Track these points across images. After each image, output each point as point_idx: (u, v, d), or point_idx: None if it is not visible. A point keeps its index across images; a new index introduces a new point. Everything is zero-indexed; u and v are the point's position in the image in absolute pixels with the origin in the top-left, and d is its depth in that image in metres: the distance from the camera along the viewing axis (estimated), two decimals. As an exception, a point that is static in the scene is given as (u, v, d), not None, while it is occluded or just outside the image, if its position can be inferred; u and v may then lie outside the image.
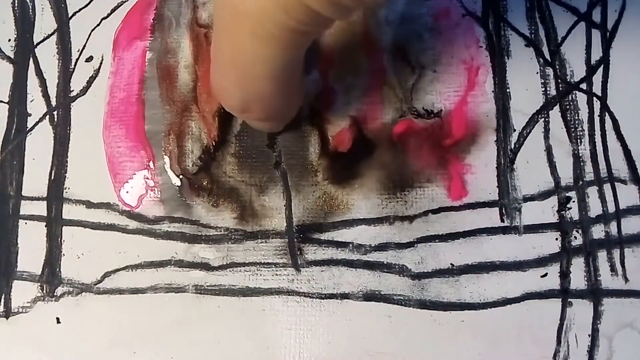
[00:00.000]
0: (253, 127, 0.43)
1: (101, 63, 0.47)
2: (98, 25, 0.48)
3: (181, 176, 0.44)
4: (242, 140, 0.45)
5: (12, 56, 0.48)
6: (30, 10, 0.48)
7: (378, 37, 0.46)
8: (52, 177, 0.45)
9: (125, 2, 0.48)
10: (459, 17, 0.46)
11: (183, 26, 0.47)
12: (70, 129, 0.46)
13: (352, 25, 0.46)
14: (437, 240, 0.42)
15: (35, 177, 0.45)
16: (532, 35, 0.45)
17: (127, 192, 0.44)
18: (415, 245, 0.42)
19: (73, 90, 0.47)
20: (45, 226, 0.44)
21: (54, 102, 0.47)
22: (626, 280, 0.41)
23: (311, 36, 0.33)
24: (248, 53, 0.33)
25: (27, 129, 0.46)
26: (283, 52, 0.33)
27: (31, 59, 0.47)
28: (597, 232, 0.42)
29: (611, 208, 0.42)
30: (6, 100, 0.47)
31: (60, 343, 0.42)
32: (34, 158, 0.46)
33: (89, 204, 0.44)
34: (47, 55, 0.47)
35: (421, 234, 0.43)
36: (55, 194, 0.45)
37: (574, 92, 0.44)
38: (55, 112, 0.46)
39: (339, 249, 0.43)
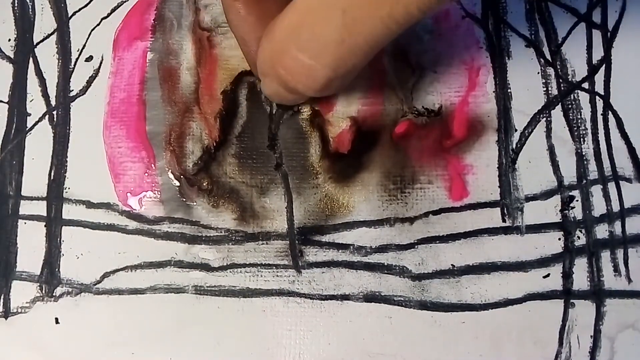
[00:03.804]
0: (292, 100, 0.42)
1: (101, 63, 0.47)
2: (98, 25, 0.47)
3: (181, 176, 0.44)
4: (243, 141, 0.45)
5: (12, 56, 0.47)
6: (30, 10, 0.48)
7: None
8: (52, 177, 0.45)
9: (125, 2, 0.48)
10: (459, 19, 0.46)
11: (185, 28, 0.47)
12: (69, 129, 0.46)
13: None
14: (437, 241, 0.42)
15: (34, 177, 0.45)
16: (533, 36, 0.45)
17: (128, 192, 0.44)
18: (416, 246, 0.42)
19: (73, 90, 0.46)
20: (45, 226, 0.44)
21: (53, 102, 0.46)
22: (629, 280, 0.41)
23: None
24: (370, 32, 0.33)
25: (27, 129, 0.46)
26: (398, 31, 0.33)
27: (31, 59, 0.47)
28: (601, 231, 0.42)
29: (615, 207, 0.42)
30: (6, 100, 0.46)
31: (59, 343, 0.42)
32: (34, 158, 0.45)
33: (89, 204, 0.44)
34: (46, 55, 0.47)
35: (422, 235, 0.42)
36: (55, 193, 0.44)
37: (576, 91, 0.44)
38: (54, 112, 0.46)
39: (340, 250, 0.43)
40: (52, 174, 0.45)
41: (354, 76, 0.38)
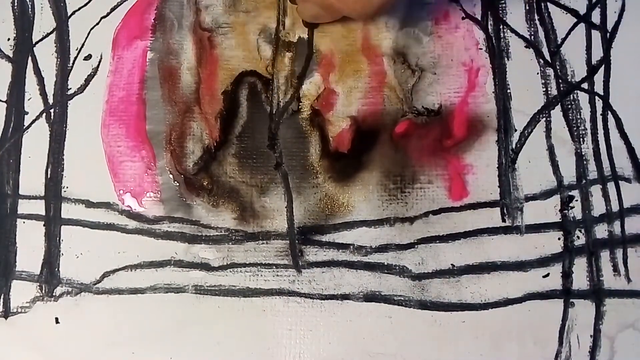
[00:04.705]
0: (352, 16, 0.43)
1: (100, 62, 0.47)
2: (97, 24, 0.47)
3: (182, 176, 0.44)
4: (243, 140, 0.45)
5: (10, 55, 0.47)
6: (30, 10, 0.48)
7: (378, 42, 0.46)
8: (49, 176, 0.45)
9: (124, 1, 0.48)
10: (459, 20, 0.46)
11: (185, 28, 0.47)
12: (66, 127, 0.46)
13: (353, 30, 0.46)
14: (437, 241, 0.42)
15: (32, 176, 0.45)
16: (532, 37, 0.45)
17: (127, 191, 0.44)
18: (416, 246, 0.42)
19: (71, 89, 0.46)
20: (44, 225, 0.44)
21: (51, 100, 0.46)
22: (629, 280, 0.41)
23: None
24: None
25: (24, 127, 0.46)
26: None
27: (30, 58, 0.47)
28: (600, 231, 0.42)
29: (615, 207, 0.42)
30: (4, 99, 0.46)
31: (59, 343, 0.42)
32: (30, 156, 0.45)
33: (89, 203, 0.44)
34: (45, 53, 0.47)
35: (422, 235, 0.43)
36: (54, 192, 0.44)
37: (576, 91, 0.44)
38: (52, 110, 0.46)
39: (340, 250, 0.43)
40: (49, 172, 0.45)
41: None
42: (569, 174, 0.43)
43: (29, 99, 0.46)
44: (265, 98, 0.45)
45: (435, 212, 0.43)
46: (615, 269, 0.41)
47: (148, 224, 0.43)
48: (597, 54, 0.45)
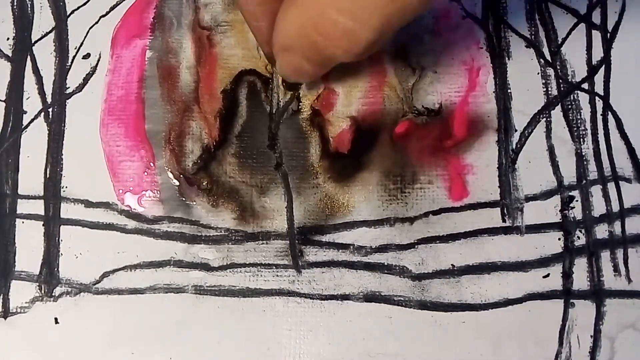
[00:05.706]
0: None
1: (98, 60, 0.46)
2: (96, 23, 0.47)
3: (181, 176, 0.44)
4: (243, 140, 0.44)
5: (9, 54, 0.47)
6: (29, 9, 0.48)
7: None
8: (48, 175, 0.44)
9: (124, 0, 0.48)
10: (459, 19, 0.46)
11: (184, 27, 0.47)
12: (65, 126, 0.45)
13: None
14: (437, 241, 0.42)
15: (30, 176, 0.45)
16: (533, 37, 0.45)
17: (127, 191, 0.44)
18: (416, 246, 0.42)
19: (69, 88, 0.46)
20: (43, 225, 0.44)
21: (49, 99, 0.46)
22: (629, 280, 0.41)
23: None
24: None
25: (23, 127, 0.46)
26: None
27: (28, 57, 0.47)
28: (601, 231, 0.42)
29: (615, 207, 0.42)
30: (3, 98, 0.46)
31: (59, 344, 0.42)
32: (29, 156, 0.45)
33: (88, 203, 0.44)
34: (44, 52, 0.47)
35: (422, 235, 0.42)
36: (52, 192, 0.44)
37: (576, 91, 0.44)
38: (50, 109, 0.46)
39: (340, 250, 0.42)
40: (48, 171, 0.45)
41: (393, 36, 0.35)
42: (569, 174, 0.43)
43: (27, 98, 0.46)
44: (265, 97, 0.45)
45: (436, 212, 0.43)
46: (616, 269, 0.41)
47: (147, 224, 0.43)
48: (598, 54, 0.45)
